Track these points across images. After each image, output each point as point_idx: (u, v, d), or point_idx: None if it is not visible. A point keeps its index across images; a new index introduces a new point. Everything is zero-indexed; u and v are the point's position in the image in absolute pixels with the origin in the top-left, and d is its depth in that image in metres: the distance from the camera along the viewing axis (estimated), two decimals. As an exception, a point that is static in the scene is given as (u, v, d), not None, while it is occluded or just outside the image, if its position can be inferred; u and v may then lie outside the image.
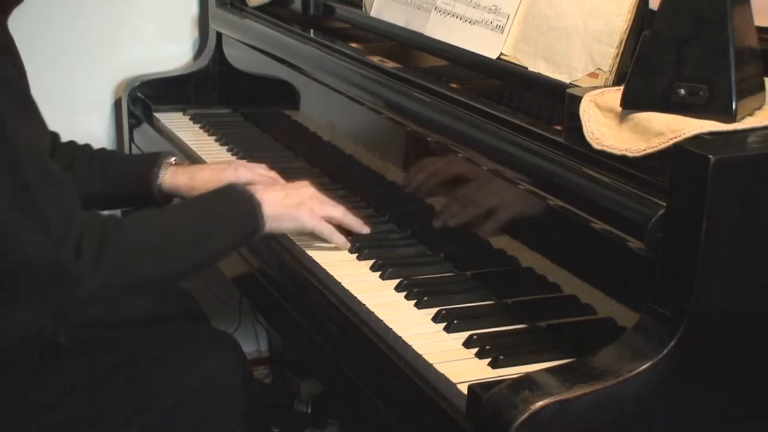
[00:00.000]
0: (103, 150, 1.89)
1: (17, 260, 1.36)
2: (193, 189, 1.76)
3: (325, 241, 1.66)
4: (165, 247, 1.49)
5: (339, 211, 1.67)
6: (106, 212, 1.56)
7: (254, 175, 1.80)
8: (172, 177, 1.79)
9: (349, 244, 1.67)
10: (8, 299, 1.43)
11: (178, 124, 2.39)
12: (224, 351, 1.70)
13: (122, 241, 1.44)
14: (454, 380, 1.26)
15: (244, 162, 1.88)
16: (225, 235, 1.56)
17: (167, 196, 1.80)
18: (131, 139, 2.50)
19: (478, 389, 1.18)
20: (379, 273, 1.58)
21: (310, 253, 1.64)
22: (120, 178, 1.81)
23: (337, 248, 1.66)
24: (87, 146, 1.86)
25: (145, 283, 1.49)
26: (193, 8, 2.63)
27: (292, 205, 1.62)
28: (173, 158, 1.82)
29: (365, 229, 1.70)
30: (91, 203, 1.83)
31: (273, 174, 1.83)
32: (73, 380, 1.59)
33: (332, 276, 1.57)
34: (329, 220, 1.66)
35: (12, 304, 1.46)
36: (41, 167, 1.40)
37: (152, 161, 1.81)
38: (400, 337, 1.38)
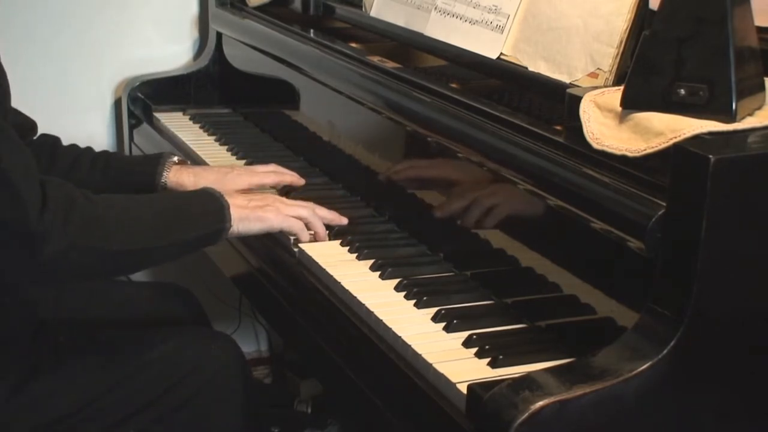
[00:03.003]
0: (105, 152, 1.89)
1: None
2: (198, 188, 1.77)
3: (324, 240, 1.67)
4: (130, 224, 1.49)
5: (306, 210, 1.68)
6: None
7: (258, 177, 1.81)
8: (176, 176, 1.79)
9: (326, 239, 1.68)
10: None
11: (178, 124, 2.39)
12: (224, 351, 1.70)
13: (90, 208, 1.45)
14: (453, 380, 1.26)
15: (247, 168, 1.91)
16: (190, 227, 1.56)
17: None
18: (131, 139, 2.50)
19: (477, 389, 1.18)
20: (379, 273, 1.58)
21: (310, 253, 1.64)
22: (123, 178, 1.81)
23: (336, 248, 1.66)
24: (89, 149, 1.86)
25: (107, 258, 1.47)
26: (193, 8, 2.63)
27: (257, 207, 1.63)
28: (176, 158, 1.82)
29: (343, 220, 1.72)
30: None
31: (272, 167, 1.84)
32: (72, 379, 1.59)
33: (332, 276, 1.57)
34: (300, 219, 1.67)
35: None
36: None
37: (155, 161, 1.81)
38: (400, 337, 1.38)
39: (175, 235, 1.54)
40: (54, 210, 1.38)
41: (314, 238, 1.69)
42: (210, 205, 1.59)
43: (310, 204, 1.71)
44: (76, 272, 1.49)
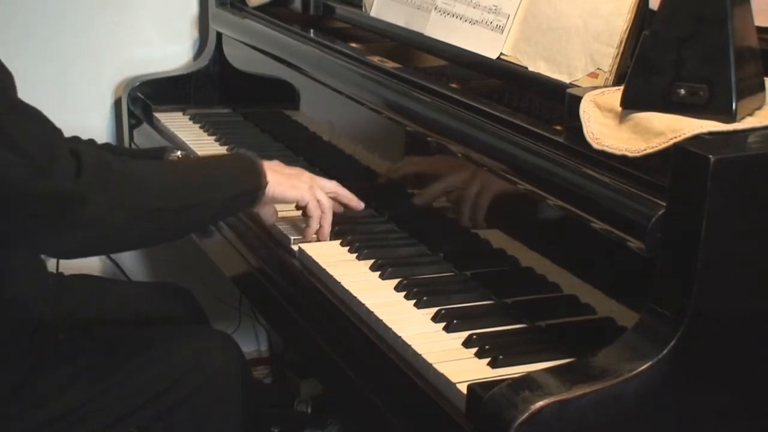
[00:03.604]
0: (107, 144, 1.89)
1: (4, 194, 1.33)
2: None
3: (323, 240, 1.67)
4: (167, 182, 1.50)
5: (332, 184, 1.71)
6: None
7: None
8: None
9: (328, 238, 1.69)
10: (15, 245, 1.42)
11: (178, 124, 2.39)
12: (224, 351, 1.70)
13: (126, 167, 1.45)
14: (453, 380, 1.26)
15: None
16: (229, 185, 1.57)
17: None
18: (131, 139, 2.50)
19: (477, 389, 1.18)
20: (379, 273, 1.58)
21: (310, 253, 1.64)
22: None
23: (336, 248, 1.66)
24: (91, 141, 1.86)
25: (149, 217, 1.45)
26: (193, 8, 2.63)
27: (291, 174, 1.66)
28: (179, 152, 1.82)
29: (360, 205, 1.74)
30: None
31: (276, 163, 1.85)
32: (71, 377, 1.59)
33: (332, 276, 1.57)
34: (329, 192, 1.69)
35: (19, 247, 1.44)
36: (7, 100, 1.39)
37: (158, 155, 1.81)
38: (400, 337, 1.38)
39: (215, 193, 1.54)
40: (89, 173, 1.37)
41: (317, 238, 1.69)
42: (246, 165, 1.60)
43: (334, 182, 1.74)
44: (118, 236, 1.45)
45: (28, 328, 1.64)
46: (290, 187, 1.64)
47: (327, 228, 1.68)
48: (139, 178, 1.45)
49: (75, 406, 1.56)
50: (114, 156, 1.46)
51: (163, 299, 1.93)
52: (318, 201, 1.67)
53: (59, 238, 1.41)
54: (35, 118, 1.41)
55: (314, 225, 1.67)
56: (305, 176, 1.68)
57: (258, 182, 1.59)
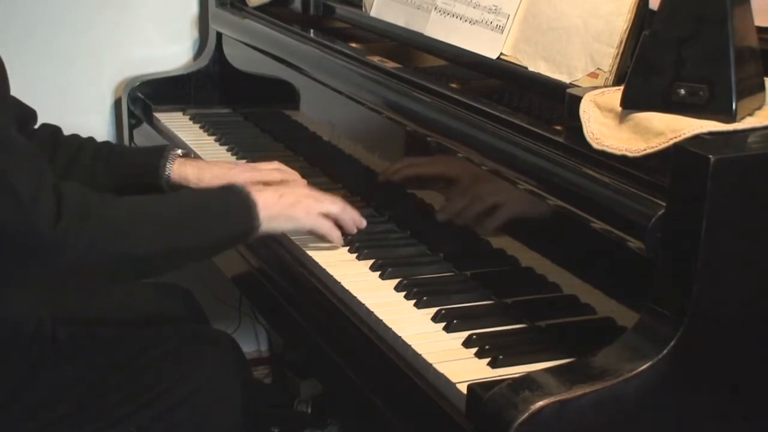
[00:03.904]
0: (107, 143, 1.88)
1: None
2: (201, 182, 1.75)
3: (323, 240, 1.66)
4: (151, 224, 1.45)
5: (336, 207, 1.65)
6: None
7: (261, 174, 1.79)
8: (180, 168, 1.76)
9: (343, 242, 1.66)
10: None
11: (178, 124, 2.39)
12: (224, 351, 1.70)
13: (108, 212, 1.41)
14: (453, 380, 1.26)
15: (251, 164, 1.88)
16: (217, 228, 1.53)
17: (175, 188, 1.79)
18: (131, 139, 2.50)
19: (477, 389, 1.18)
20: (379, 273, 1.58)
21: (310, 253, 1.64)
22: (126, 170, 1.79)
23: (336, 248, 1.66)
24: (91, 139, 1.85)
25: (130, 261, 1.44)
26: (193, 8, 2.63)
27: (287, 204, 1.60)
28: (180, 150, 1.81)
29: (363, 223, 1.68)
30: None
31: (276, 164, 1.83)
32: (72, 378, 1.59)
33: (332, 276, 1.57)
34: (327, 216, 1.64)
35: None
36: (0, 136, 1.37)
37: (159, 153, 1.79)
38: (400, 337, 1.38)
39: (202, 235, 1.51)
40: (68, 219, 1.35)
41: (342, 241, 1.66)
42: (238, 203, 1.55)
43: (340, 200, 1.67)
44: (100, 277, 1.46)
45: (29, 329, 1.64)
46: (285, 219, 1.59)
47: (339, 234, 1.66)
48: (121, 223, 1.42)
49: (75, 407, 1.56)
50: (100, 196, 1.44)
51: (163, 299, 1.93)
52: (324, 217, 1.63)
53: (44, 280, 1.43)
54: (22, 152, 1.39)
55: (334, 237, 1.64)
56: (302, 204, 1.61)
57: (249, 224, 1.54)
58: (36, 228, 1.34)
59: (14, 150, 1.38)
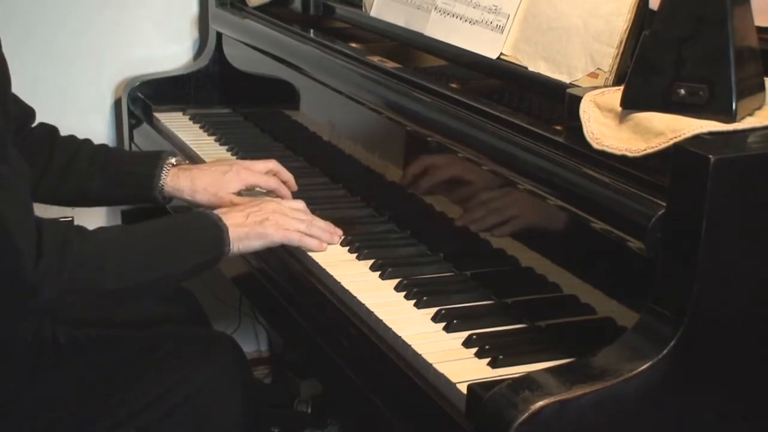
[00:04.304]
0: (104, 146, 1.88)
1: None
2: (196, 192, 1.77)
3: (322, 250, 1.66)
4: (125, 262, 1.47)
5: (303, 225, 1.65)
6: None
7: (255, 178, 1.79)
8: (174, 180, 1.78)
9: (325, 246, 1.66)
10: None
11: (178, 124, 2.39)
12: (224, 352, 1.70)
13: (85, 249, 1.43)
14: (453, 380, 1.26)
15: (244, 163, 1.85)
16: (188, 256, 1.55)
17: (169, 198, 1.80)
18: (131, 139, 2.50)
19: (477, 389, 1.18)
20: (379, 273, 1.58)
21: (310, 253, 1.64)
22: (121, 179, 1.81)
23: (336, 248, 1.66)
24: (87, 141, 1.85)
25: (105, 296, 1.47)
26: (193, 8, 2.63)
27: (256, 222, 1.61)
28: (173, 159, 1.81)
29: (334, 239, 1.68)
30: (92, 200, 1.84)
31: (273, 164, 1.83)
32: (73, 380, 1.59)
33: (332, 276, 1.57)
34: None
35: None
36: None
37: (153, 163, 1.80)
38: (400, 337, 1.38)
39: (173, 267, 1.54)
40: (49, 258, 1.37)
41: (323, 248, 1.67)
42: (208, 232, 1.57)
43: (308, 217, 1.68)
44: (76, 311, 1.52)
45: (29, 331, 1.63)
46: (255, 237, 1.60)
47: (316, 244, 1.65)
48: (97, 262, 1.44)
49: (76, 409, 1.56)
50: (79, 231, 1.46)
51: (163, 299, 1.93)
52: (291, 235, 1.63)
53: (21, 314, 1.47)
54: (12, 189, 1.39)
55: (308, 245, 1.65)
56: (270, 221, 1.61)
57: (219, 250, 1.56)
58: (20, 266, 1.35)
59: (3, 185, 1.38)
